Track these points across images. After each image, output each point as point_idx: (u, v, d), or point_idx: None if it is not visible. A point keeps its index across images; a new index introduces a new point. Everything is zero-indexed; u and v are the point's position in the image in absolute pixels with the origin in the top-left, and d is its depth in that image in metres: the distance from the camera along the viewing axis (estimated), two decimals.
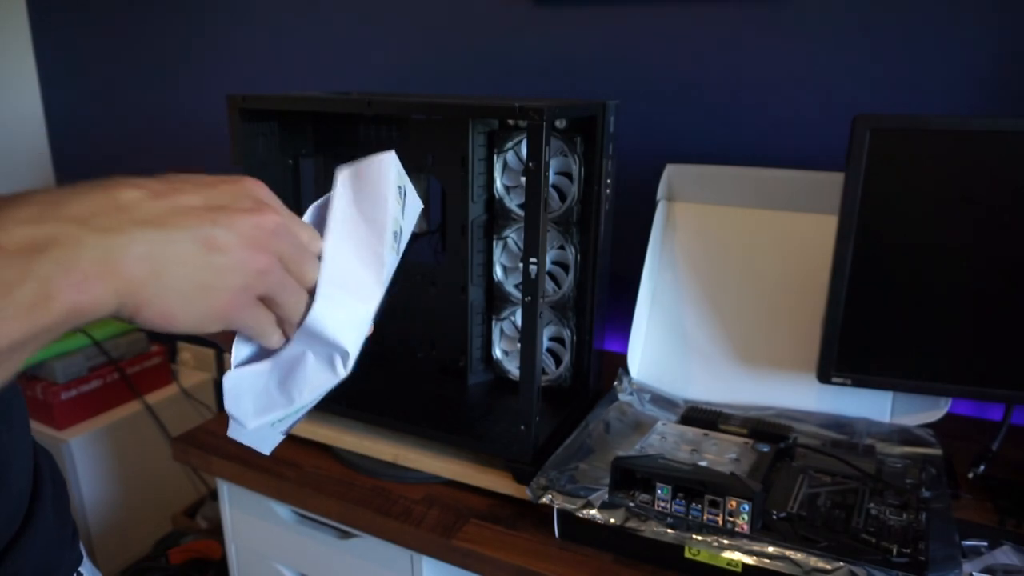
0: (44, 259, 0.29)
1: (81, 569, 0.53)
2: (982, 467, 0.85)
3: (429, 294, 0.98)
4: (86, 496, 1.51)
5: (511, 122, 0.90)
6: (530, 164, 0.74)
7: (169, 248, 0.33)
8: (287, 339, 0.41)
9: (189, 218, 0.34)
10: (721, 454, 0.80)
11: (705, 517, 0.69)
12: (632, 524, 0.70)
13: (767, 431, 0.86)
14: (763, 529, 0.69)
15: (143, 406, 1.57)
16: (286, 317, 0.39)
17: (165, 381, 1.64)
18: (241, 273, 0.36)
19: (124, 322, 0.34)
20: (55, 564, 0.50)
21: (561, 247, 0.91)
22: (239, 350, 0.42)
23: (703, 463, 0.77)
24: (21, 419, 0.49)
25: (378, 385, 0.97)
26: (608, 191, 0.91)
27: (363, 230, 0.42)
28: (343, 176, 0.43)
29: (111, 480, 1.55)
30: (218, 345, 0.43)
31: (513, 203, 0.92)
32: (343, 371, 0.42)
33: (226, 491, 0.99)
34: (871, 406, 0.90)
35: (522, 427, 0.81)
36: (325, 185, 1.00)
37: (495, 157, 0.91)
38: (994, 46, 0.94)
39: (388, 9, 1.31)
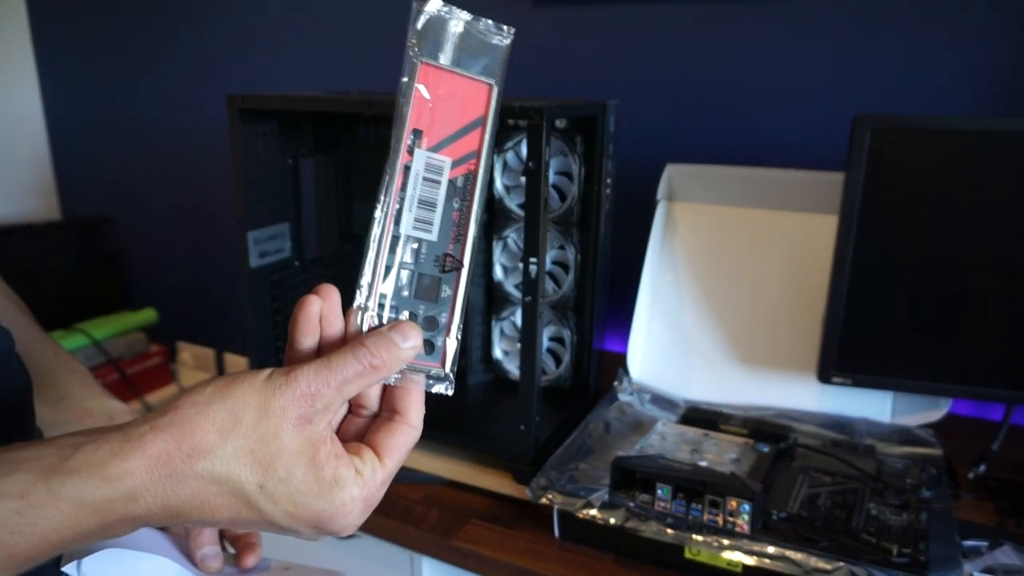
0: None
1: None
2: (982, 467, 0.85)
3: None
4: None
5: (511, 122, 0.90)
6: (530, 164, 0.74)
7: None
8: None
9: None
10: (721, 454, 0.80)
11: (705, 517, 0.69)
12: (632, 524, 0.70)
13: (767, 431, 0.86)
14: (763, 529, 0.68)
15: (143, 406, 1.57)
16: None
17: (165, 381, 1.64)
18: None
19: None
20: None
21: (561, 247, 0.91)
22: None
23: (703, 463, 0.77)
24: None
25: None
26: (608, 191, 0.91)
27: None
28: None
29: None
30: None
31: (513, 203, 0.92)
32: None
33: None
34: (871, 406, 0.90)
35: (522, 427, 0.81)
36: (325, 185, 1.00)
37: (495, 157, 0.91)
38: (995, 46, 0.94)
39: (388, 9, 1.31)
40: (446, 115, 0.40)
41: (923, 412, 0.88)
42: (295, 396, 0.34)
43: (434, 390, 0.40)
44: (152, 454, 0.32)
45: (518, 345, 0.83)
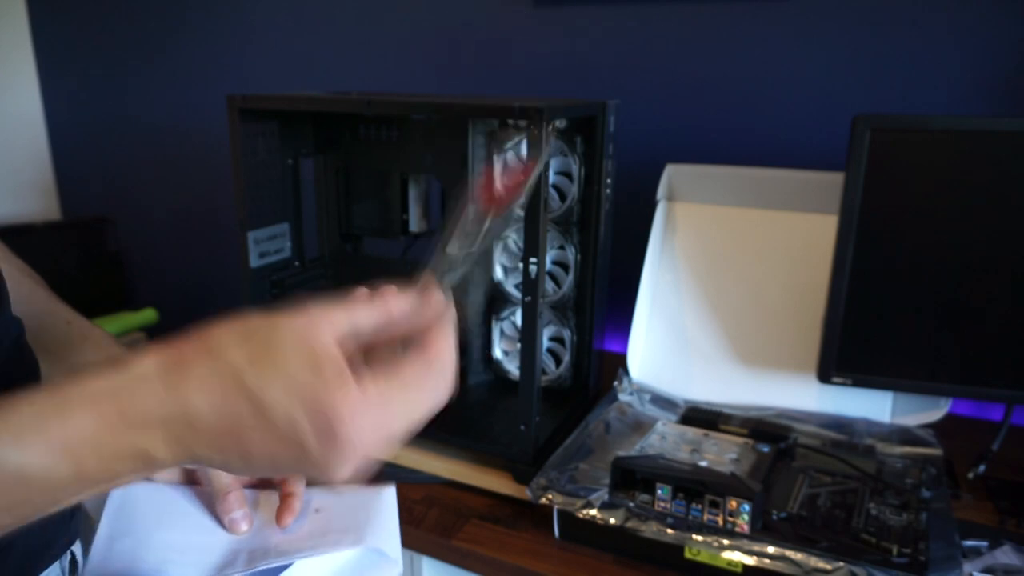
0: None
1: (73, 548, 0.53)
2: (982, 467, 0.85)
3: None
4: None
5: (511, 122, 0.90)
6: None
7: None
8: None
9: None
10: (721, 454, 0.80)
11: (705, 517, 0.69)
12: (632, 524, 0.70)
13: (767, 431, 0.85)
14: (763, 529, 0.68)
15: None
16: None
17: None
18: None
19: None
20: (50, 541, 0.50)
21: (561, 247, 0.91)
22: None
23: (703, 463, 0.77)
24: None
25: None
26: (608, 191, 0.91)
27: None
28: None
29: None
30: None
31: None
32: None
33: None
34: (871, 406, 0.90)
35: (522, 427, 0.81)
36: (325, 185, 1.00)
37: (495, 157, 0.91)
38: (996, 46, 0.94)
39: (388, 9, 1.31)
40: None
41: (923, 412, 0.88)
42: (303, 311, 0.36)
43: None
44: (162, 353, 0.36)
45: (518, 345, 0.83)
